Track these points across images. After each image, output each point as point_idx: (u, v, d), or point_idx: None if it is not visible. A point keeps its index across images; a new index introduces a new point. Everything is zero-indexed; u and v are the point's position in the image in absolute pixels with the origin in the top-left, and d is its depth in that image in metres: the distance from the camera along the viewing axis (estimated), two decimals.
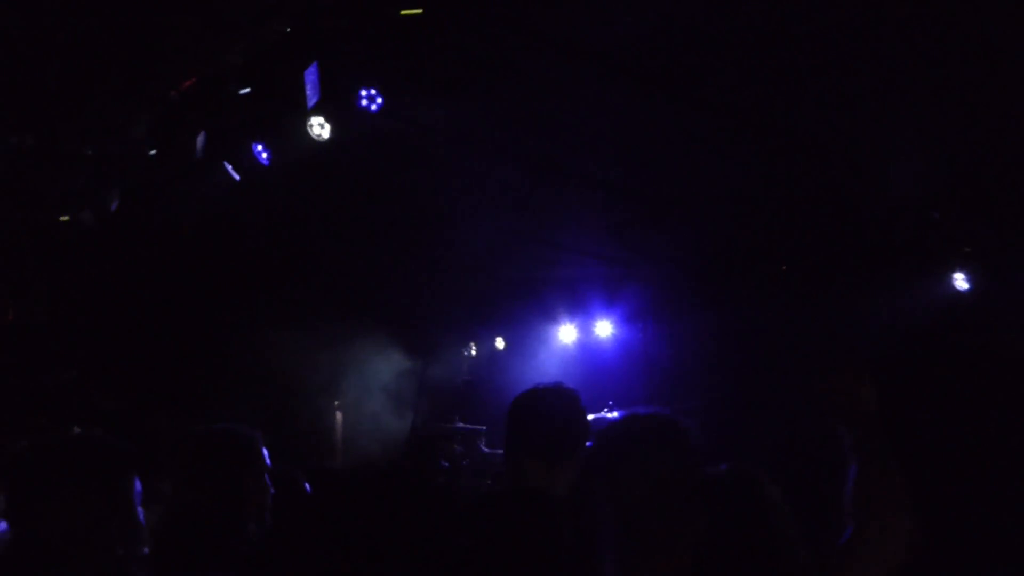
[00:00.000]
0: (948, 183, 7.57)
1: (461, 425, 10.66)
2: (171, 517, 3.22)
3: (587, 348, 11.00)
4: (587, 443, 3.29)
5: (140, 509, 2.63)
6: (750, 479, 2.50)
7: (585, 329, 10.92)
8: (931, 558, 2.23)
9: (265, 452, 3.40)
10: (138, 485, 2.64)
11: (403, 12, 5.29)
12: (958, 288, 7.83)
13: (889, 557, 2.12)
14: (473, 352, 12.21)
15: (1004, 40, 5.85)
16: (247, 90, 6.18)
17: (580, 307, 10.71)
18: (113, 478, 2.56)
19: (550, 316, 11.14)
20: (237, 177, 7.42)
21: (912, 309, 8.23)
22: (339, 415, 11.81)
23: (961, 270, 7.81)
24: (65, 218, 7.89)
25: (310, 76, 5.77)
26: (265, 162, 7.44)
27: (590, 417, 9.46)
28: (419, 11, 5.25)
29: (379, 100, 6.86)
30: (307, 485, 4.70)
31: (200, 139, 6.61)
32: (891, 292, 8.46)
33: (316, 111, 6.56)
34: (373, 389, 11.69)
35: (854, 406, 2.30)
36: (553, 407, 3.22)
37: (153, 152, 6.97)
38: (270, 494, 3.36)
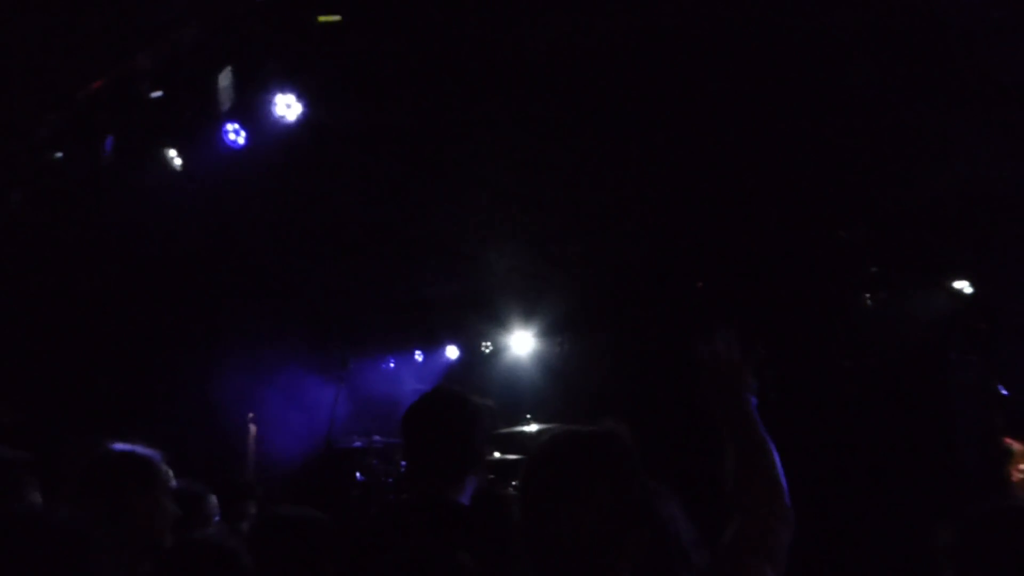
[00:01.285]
0: (857, 204, 7.78)
1: (378, 438, 10.55)
2: None
3: (505, 361, 11.01)
4: (483, 450, 3.25)
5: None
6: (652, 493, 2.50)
7: (503, 342, 10.93)
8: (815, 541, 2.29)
9: (168, 473, 3.33)
10: (38, 498, 2.57)
11: (321, 19, 5.22)
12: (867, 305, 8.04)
13: (773, 543, 2.13)
14: (392, 365, 12.11)
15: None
16: (159, 93, 6.03)
17: (496, 320, 10.71)
18: (4, 489, 2.48)
19: (468, 329, 11.12)
20: (147, 182, 7.24)
21: (823, 325, 8.44)
22: (252, 428, 11.58)
23: (870, 289, 8.03)
24: None
25: (224, 81, 5.66)
26: (177, 168, 7.27)
27: (506, 431, 9.39)
28: (337, 18, 5.19)
29: (297, 107, 6.77)
30: (214, 498, 4.60)
31: (108, 143, 6.43)
32: (802, 308, 8.66)
33: (231, 117, 6.44)
34: (288, 402, 11.50)
35: (728, 393, 2.31)
36: (446, 422, 3.13)
37: (59, 155, 6.77)
38: (170, 516, 3.28)
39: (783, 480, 2.22)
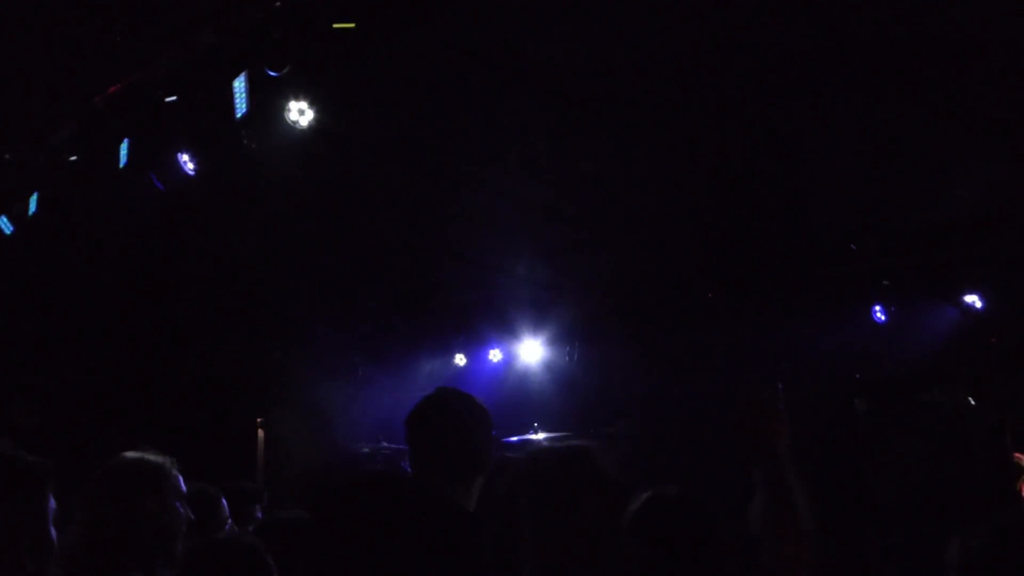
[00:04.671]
0: (867, 217, 7.77)
1: (386, 445, 10.56)
2: (72, 548, 3.17)
3: (514, 370, 11.00)
4: (488, 452, 3.21)
5: (52, 528, 2.57)
6: (694, 502, 2.51)
7: (512, 351, 10.92)
8: None
9: (179, 478, 3.36)
10: (52, 503, 2.60)
11: (336, 25, 5.25)
12: (876, 320, 8.02)
13: None
14: (402, 370, 12.11)
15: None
16: (174, 98, 6.06)
17: (508, 329, 10.70)
18: (25, 494, 2.51)
19: (478, 338, 11.12)
20: (162, 187, 7.26)
21: (832, 339, 8.41)
22: (261, 433, 11.61)
23: (879, 302, 8.00)
24: None
25: (239, 87, 5.68)
26: (191, 172, 7.28)
27: (514, 439, 9.42)
28: (352, 25, 5.21)
29: (310, 113, 6.79)
30: (224, 502, 4.63)
31: (124, 147, 6.45)
32: (813, 321, 8.64)
33: (245, 123, 6.46)
34: (296, 408, 11.52)
35: (763, 439, 2.32)
36: (448, 423, 3.11)
37: (74, 159, 6.80)
38: (183, 520, 3.30)
39: (808, 525, 2.24)
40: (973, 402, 6.67)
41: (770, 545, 2.18)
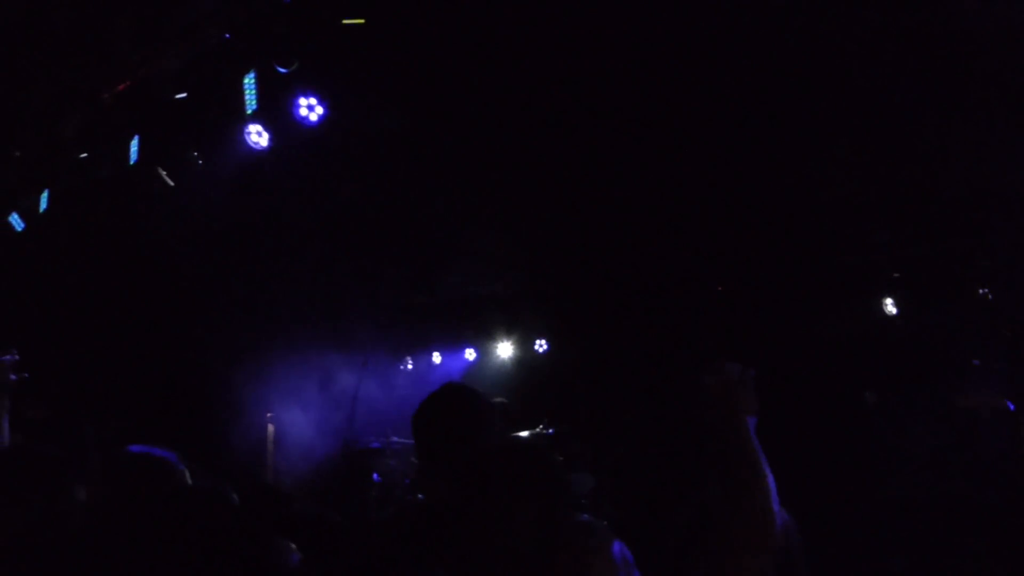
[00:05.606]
0: (880, 210, 7.74)
1: (396, 439, 10.58)
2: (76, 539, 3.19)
3: (523, 364, 10.99)
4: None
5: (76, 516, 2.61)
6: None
7: (522, 345, 10.91)
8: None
9: (185, 473, 3.36)
10: (81, 494, 2.63)
11: (345, 21, 5.25)
12: (888, 312, 7.99)
13: (752, 563, 2.15)
14: (410, 366, 12.12)
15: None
16: (183, 95, 6.07)
17: (516, 324, 10.69)
18: (53, 488, 2.53)
19: (486, 332, 11.11)
20: (171, 183, 7.28)
21: (842, 331, 8.39)
22: (271, 427, 11.64)
23: (891, 295, 7.98)
24: None
25: (249, 84, 5.69)
26: (200, 168, 7.30)
27: (524, 434, 9.40)
28: (361, 21, 5.21)
29: (319, 109, 6.79)
30: (235, 497, 4.63)
31: (134, 143, 6.47)
32: (824, 314, 8.61)
33: (254, 118, 6.47)
34: (307, 402, 11.55)
35: (729, 412, 2.32)
36: (455, 419, 3.08)
37: (84, 156, 6.82)
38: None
39: (775, 508, 2.23)
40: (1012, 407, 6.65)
41: (726, 521, 2.18)
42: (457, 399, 3.18)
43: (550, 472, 2.14)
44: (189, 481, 3.42)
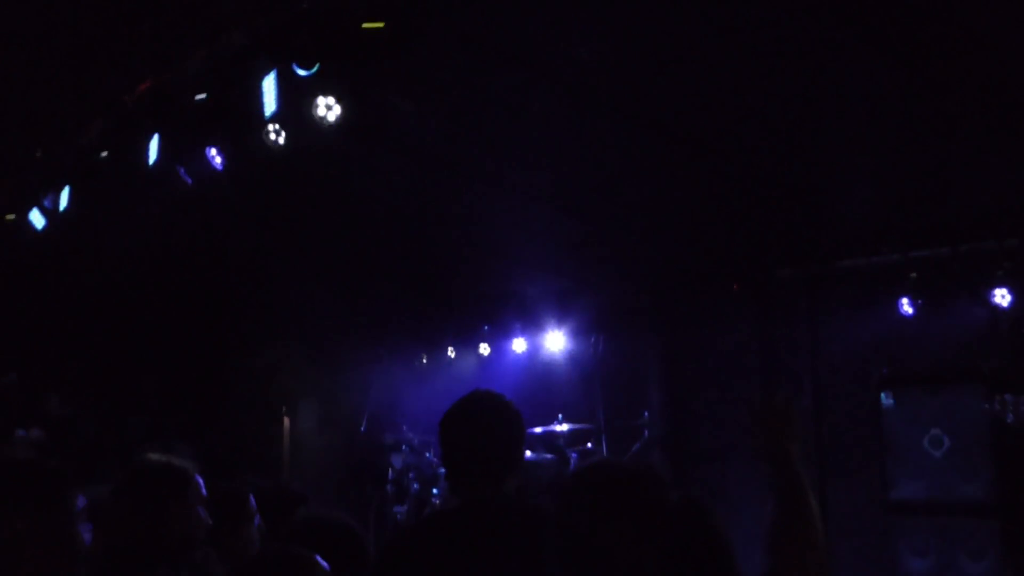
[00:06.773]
0: (895, 210, 7.72)
1: (410, 434, 10.63)
2: (95, 552, 3.23)
3: (538, 360, 10.99)
4: (522, 453, 3.28)
5: (80, 530, 2.63)
6: (700, 510, 2.52)
7: (536, 342, 10.91)
8: None
9: (201, 483, 3.42)
10: (81, 501, 2.64)
11: (365, 25, 5.27)
12: (905, 313, 7.96)
13: None
14: (424, 361, 12.14)
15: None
16: (203, 96, 6.10)
17: (532, 320, 10.69)
18: (48, 501, 2.55)
19: (502, 328, 11.11)
20: (190, 181, 7.32)
21: (858, 333, 8.38)
22: (286, 421, 11.71)
23: (908, 295, 7.93)
24: (11, 217, 7.76)
25: (269, 86, 5.72)
26: (219, 167, 7.33)
27: (538, 430, 9.42)
28: (381, 25, 5.23)
29: (337, 109, 6.81)
30: (252, 499, 4.68)
31: (154, 143, 6.51)
32: (839, 315, 8.61)
33: (272, 119, 6.49)
34: (321, 398, 11.60)
35: (777, 444, 2.36)
36: (487, 425, 3.16)
37: (104, 155, 6.87)
38: (204, 525, 3.37)
39: (819, 531, 2.28)
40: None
41: (779, 551, 2.22)
42: (484, 404, 3.24)
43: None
44: (204, 492, 3.47)
